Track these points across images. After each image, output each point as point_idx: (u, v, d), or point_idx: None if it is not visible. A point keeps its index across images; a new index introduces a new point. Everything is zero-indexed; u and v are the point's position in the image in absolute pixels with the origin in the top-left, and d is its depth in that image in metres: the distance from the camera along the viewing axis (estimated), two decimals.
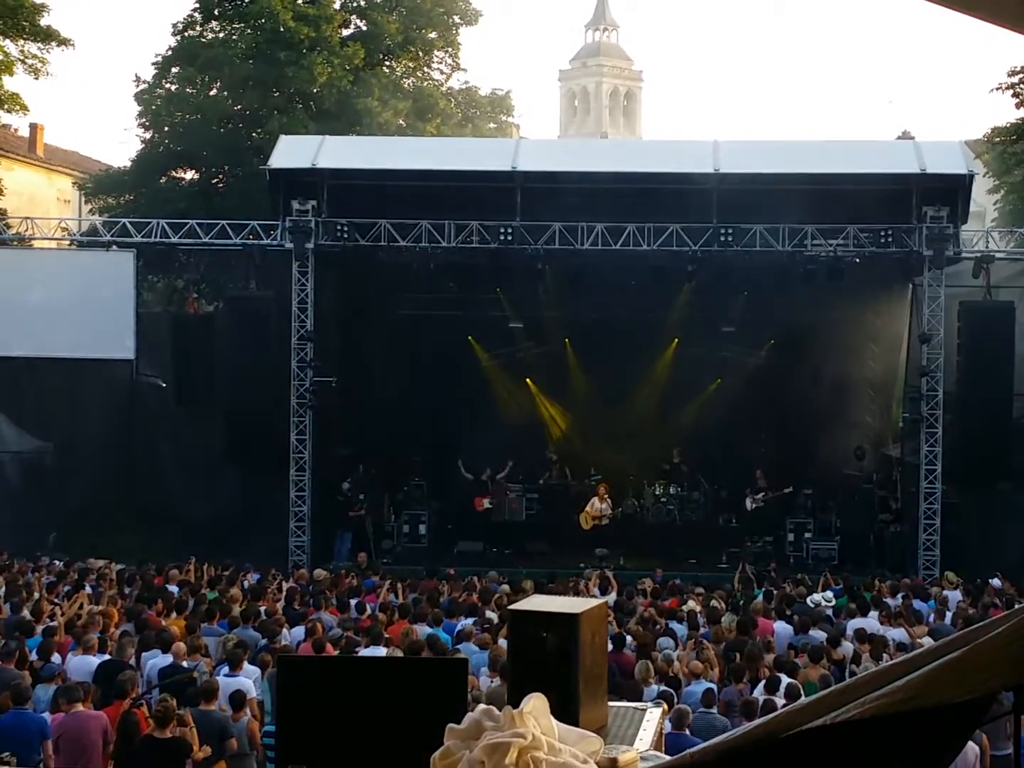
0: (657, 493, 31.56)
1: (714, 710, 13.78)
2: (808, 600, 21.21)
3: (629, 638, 16.64)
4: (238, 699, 13.30)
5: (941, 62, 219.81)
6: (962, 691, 3.30)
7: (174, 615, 18.29)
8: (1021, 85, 34.23)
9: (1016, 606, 3.88)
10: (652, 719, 5.31)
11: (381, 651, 15.32)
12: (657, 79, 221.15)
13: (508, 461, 31.65)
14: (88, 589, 20.94)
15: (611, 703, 5.45)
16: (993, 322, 28.47)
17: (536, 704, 4.50)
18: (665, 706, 5.57)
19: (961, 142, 30.03)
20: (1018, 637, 3.25)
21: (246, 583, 22.66)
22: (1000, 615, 3.57)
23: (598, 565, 26.70)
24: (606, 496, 30.27)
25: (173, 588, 21.13)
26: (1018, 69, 34.11)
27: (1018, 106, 34.68)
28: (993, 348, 28.04)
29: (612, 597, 21.00)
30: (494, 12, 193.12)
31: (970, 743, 11.56)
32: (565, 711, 4.74)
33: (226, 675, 14.31)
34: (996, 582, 23.81)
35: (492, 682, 14.15)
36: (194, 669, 14.25)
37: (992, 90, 34.60)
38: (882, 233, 27.61)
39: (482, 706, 4.53)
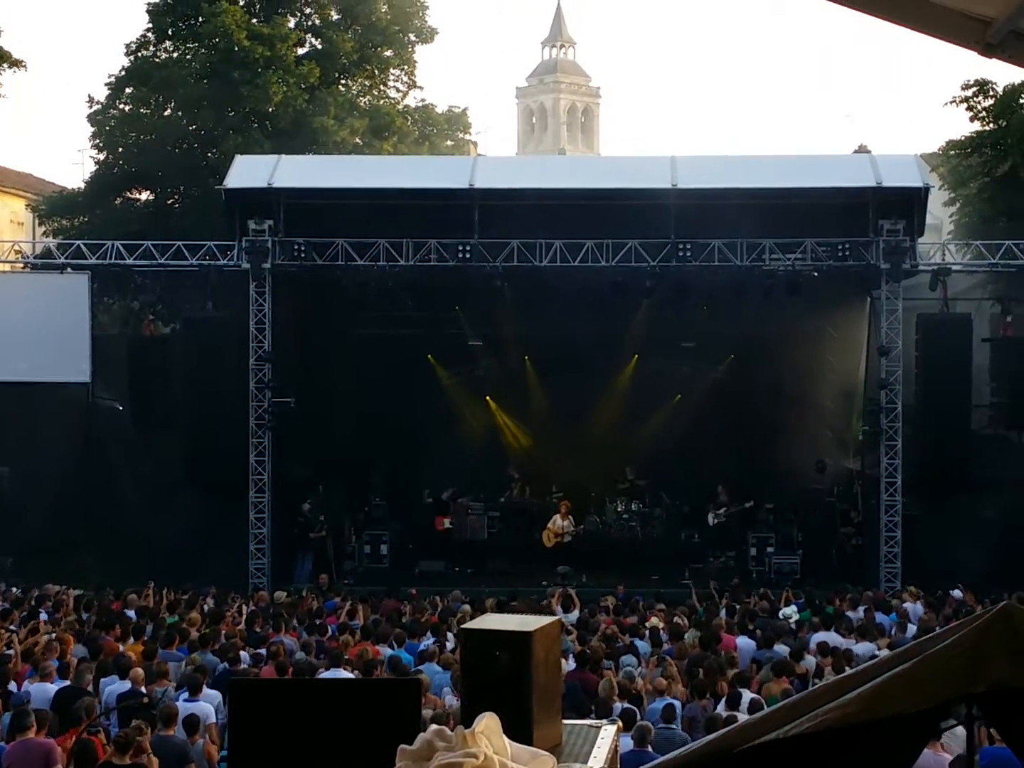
0: (619, 509, 31.54)
1: (674, 725, 13.73)
2: (780, 614, 21.30)
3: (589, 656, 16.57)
4: (192, 723, 13.16)
5: (897, 76, 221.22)
6: (914, 702, 3.26)
7: (132, 640, 18.13)
8: (975, 98, 34.45)
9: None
10: (607, 736, 5.24)
11: (342, 673, 15.21)
12: (614, 95, 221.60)
13: (450, 487, 31.54)
14: (44, 616, 20.75)
15: (565, 721, 5.39)
16: (950, 334, 28.65)
17: (488, 723, 4.43)
18: (620, 723, 5.49)
19: (916, 155, 30.17)
20: (968, 647, 3.21)
21: (206, 607, 22.51)
22: (950, 626, 3.53)
23: (560, 583, 26.64)
24: (568, 513, 30.22)
25: (131, 613, 20.96)
26: (971, 83, 34.33)
27: (972, 119, 34.91)
28: (951, 360, 28.22)
29: (575, 615, 20.96)
30: (450, 30, 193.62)
31: (945, 756, 11.49)
32: (519, 730, 4.67)
33: (186, 700, 14.18)
34: (957, 593, 23.89)
35: (456, 702, 14.05)
36: (147, 696, 14.09)
37: (946, 103, 34.84)
38: (839, 247, 27.71)
39: (434, 726, 4.47)
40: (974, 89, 34.29)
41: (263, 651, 17.28)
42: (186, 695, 14.37)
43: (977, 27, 3.62)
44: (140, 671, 14.89)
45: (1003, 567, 26.27)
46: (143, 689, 14.50)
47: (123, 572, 26.30)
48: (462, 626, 5.61)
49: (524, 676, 4.98)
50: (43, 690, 14.79)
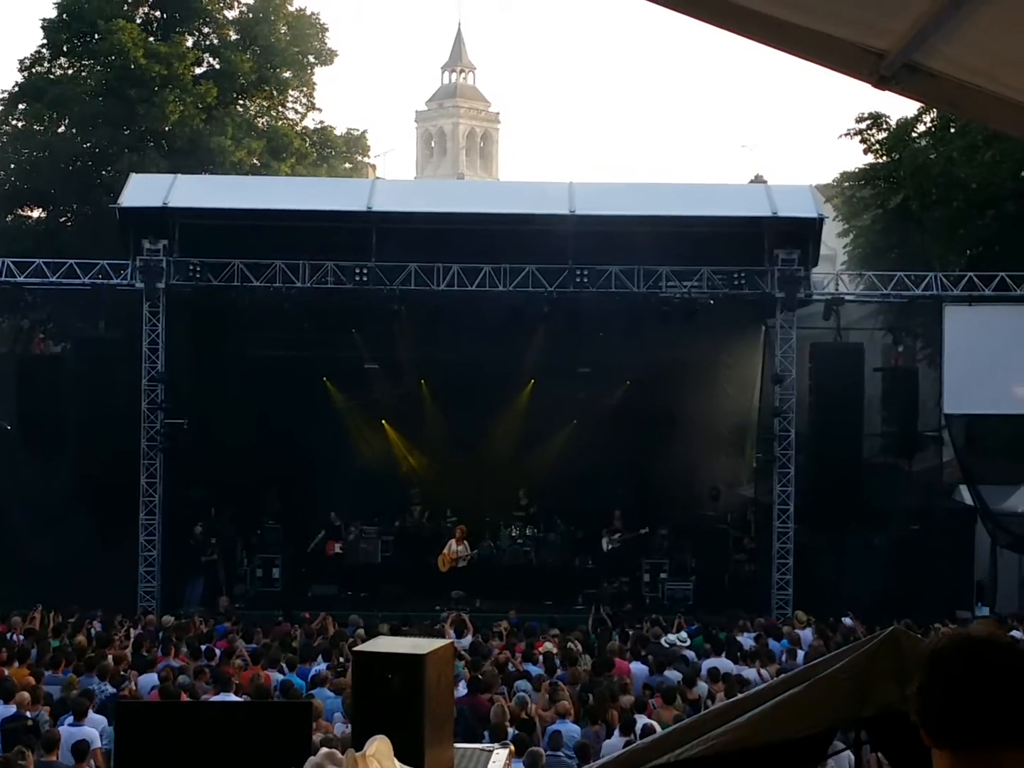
0: (513, 534, 31.48)
1: (561, 753, 13.70)
2: (663, 640, 21.29)
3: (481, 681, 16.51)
4: (80, 750, 12.92)
5: (793, 108, 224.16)
6: (803, 726, 3.26)
7: (17, 664, 17.79)
8: (868, 131, 35.04)
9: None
10: (498, 760, 5.22)
11: (231, 698, 15.03)
12: (514, 121, 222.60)
13: (337, 512, 31.23)
14: None
15: (457, 745, 5.35)
16: (843, 363, 29.04)
17: (379, 746, 4.39)
18: (512, 747, 5.47)
19: (811, 186, 30.56)
20: (856, 673, 3.22)
21: (92, 630, 22.17)
22: (840, 651, 3.55)
23: (454, 607, 26.56)
24: (463, 538, 30.15)
25: (17, 636, 20.60)
26: (866, 115, 34.93)
27: (866, 152, 35.53)
28: (843, 389, 28.57)
29: (468, 639, 20.90)
30: (350, 52, 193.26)
31: None
32: (410, 753, 4.64)
33: (70, 725, 13.93)
34: (848, 621, 24.12)
35: (347, 728, 13.94)
36: (31, 718, 13.83)
37: (841, 136, 35.44)
38: (735, 275, 27.94)
39: (324, 749, 4.43)
40: (868, 122, 34.91)
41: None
42: (71, 720, 14.11)
43: (871, 59, 3.67)
44: (26, 695, 14.61)
45: (893, 595, 26.62)
46: (28, 713, 14.23)
47: (9, 595, 25.78)
48: (353, 648, 5.56)
49: (416, 699, 4.94)
50: None
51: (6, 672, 16.92)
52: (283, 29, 41.86)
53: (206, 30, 41.54)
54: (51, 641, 20.00)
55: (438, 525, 31.66)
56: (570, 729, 14.34)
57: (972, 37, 3.36)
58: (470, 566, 30.06)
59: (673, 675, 17.76)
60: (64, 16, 39.16)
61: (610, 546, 30.63)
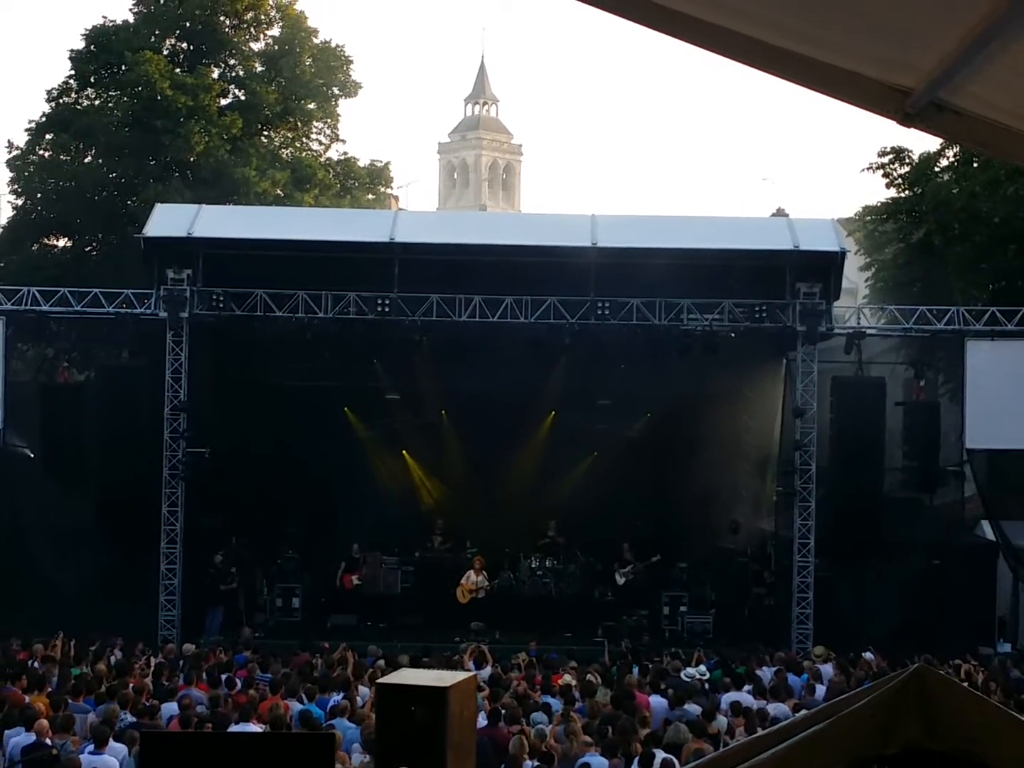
0: (533, 566, 31.38)
1: None
2: (683, 674, 21.22)
3: (504, 713, 16.45)
4: None
5: (815, 142, 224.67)
6: (827, 762, 3.26)
7: (38, 691, 17.81)
8: (891, 165, 35.05)
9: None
10: None
11: (251, 727, 15.01)
12: (536, 153, 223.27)
13: (358, 543, 31.18)
14: None
15: None
16: (864, 397, 29.00)
17: None
18: None
19: (833, 220, 30.56)
20: (881, 709, 3.23)
21: (113, 658, 22.17)
22: (864, 687, 3.56)
23: (474, 639, 26.51)
24: (482, 569, 30.12)
25: (38, 664, 20.60)
26: (888, 150, 34.97)
27: (888, 186, 35.52)
28: (864, 423, 28.54)
29: (487, 671, 20.85)
30: (374, 84, 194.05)
31: None
32: None
33: (91, 753, 13.93)
34: (868, 655, 24.00)
35: (364, 758, 13.91)
36: (56, 747, 13.84)
37: (863, 170, 35.45)
38: (756, 308, 27.91)
39: None
40: (890, 156, 34.94)
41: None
42: (91, 748, 14.11)
43: (896, 96, 3.67)
44: (46, 723, 14.62)
45: (914, 630, 26.53)
46: (48, 741, 14.23)
47: (31, 622, 25.82)
48: (377, 681, 5.57)
49: (439, 731, 4.96)
50: None
51: (27, 700, 16.95)
52: (308, 61, 42.12)
53: (232, 62, 41.81)
54: (73, 669, 20.04)
55: (458, 556, 31.60)
56: (600, 763, 14.26)
57: (998, 75, 3.37)
58: (490, 597, 30.01)
59: (693, 709, 17.69)
60: (92, 47, 39.50)
61: (623, 579, 30.53)
